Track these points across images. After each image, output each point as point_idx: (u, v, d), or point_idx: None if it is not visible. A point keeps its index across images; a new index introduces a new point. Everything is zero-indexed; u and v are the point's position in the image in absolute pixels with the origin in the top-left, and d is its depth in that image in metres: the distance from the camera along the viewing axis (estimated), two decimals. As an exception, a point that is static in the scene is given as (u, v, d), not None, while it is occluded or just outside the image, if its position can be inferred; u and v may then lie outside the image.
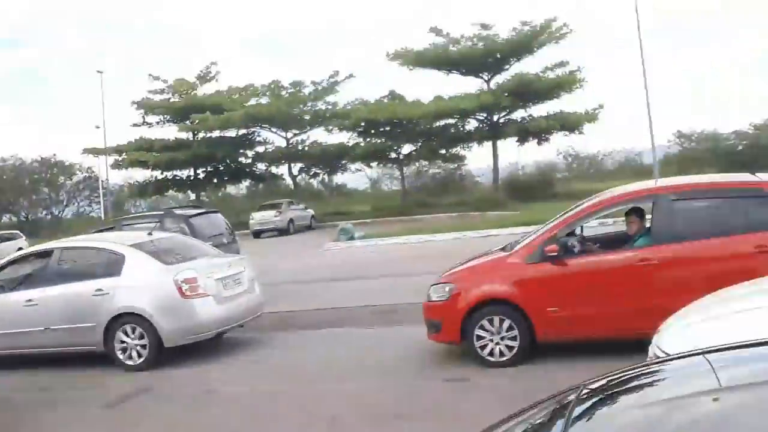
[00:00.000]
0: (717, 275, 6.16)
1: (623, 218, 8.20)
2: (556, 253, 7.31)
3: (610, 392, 2.10)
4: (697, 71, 79.02)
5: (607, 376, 2.21)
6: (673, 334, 4.29)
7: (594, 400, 2.06)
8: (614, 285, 7.22)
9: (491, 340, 7.48)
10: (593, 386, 2.15)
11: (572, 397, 2.09)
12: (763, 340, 2.21)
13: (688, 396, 1.87)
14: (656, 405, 1.90)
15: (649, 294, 6.92)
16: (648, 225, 7.72)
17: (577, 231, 8.12)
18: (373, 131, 41.97)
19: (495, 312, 7.49)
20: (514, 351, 7.43)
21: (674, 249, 7.14)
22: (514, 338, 7.43)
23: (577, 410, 1.96)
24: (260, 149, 47.56)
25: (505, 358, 7.46)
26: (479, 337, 7.50)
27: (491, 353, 7.49)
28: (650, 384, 2.15)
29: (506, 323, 7.43)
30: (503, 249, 8.08)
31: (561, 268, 7.35)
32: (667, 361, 2.17)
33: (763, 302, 4.28)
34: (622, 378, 2.17)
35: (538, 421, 2.10)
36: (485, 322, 7.48)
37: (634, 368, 2.25)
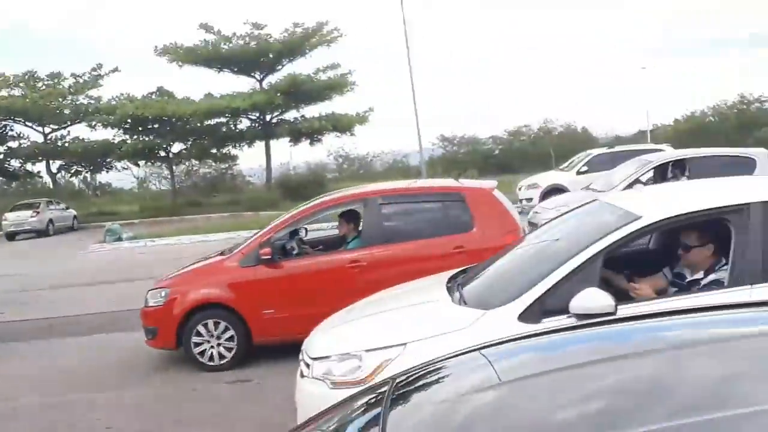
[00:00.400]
0: (420, 275, 6.60)
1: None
2: (269, 256, 7.47)
3: (417, 384, 2.25)
4: (464, 77, 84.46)
5: (413, 370, 2.36)
6: (317, 339, 4.57)
7: (405, 390, 2.20)
8: (326, 287, 7.48)
9: (209, 345, 7.50)
10: (402, 380, 2.28)
11: (385, 389, 2.20)
12: (525, 334, 2.45)
13: (475, 390, 2.04)
14: (451, 399, 2.05)
15: (360, 295, 7.22)
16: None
17: (302, 234, 8.35)
18: (140, 128, 40.02)
19: (211, 316, 7.53)
20: (233, 353, 7.51)
21: (382, 251, 7.57)
22: (231, 339, 7.50)
23: (391, 401, 2.09)
24: (13, 144, 43.57)
25: (223, 362, 7.52)
26: (196, 343, 7.49)
27: (210, 358, 7.51)
28: (444, 378, 2.31)
29: (221, 326, 7.49)
30: (222, 253, 8.12)
31: (275, 270, 7.52)
32: (455, 356, 2.36)
33: (388, 306, 4.71)
34: (424, 372, 2.32)
35: (356, 413, 2.21)
36: (201, 327, 7.48)
37: (432, 363, 2.40)
